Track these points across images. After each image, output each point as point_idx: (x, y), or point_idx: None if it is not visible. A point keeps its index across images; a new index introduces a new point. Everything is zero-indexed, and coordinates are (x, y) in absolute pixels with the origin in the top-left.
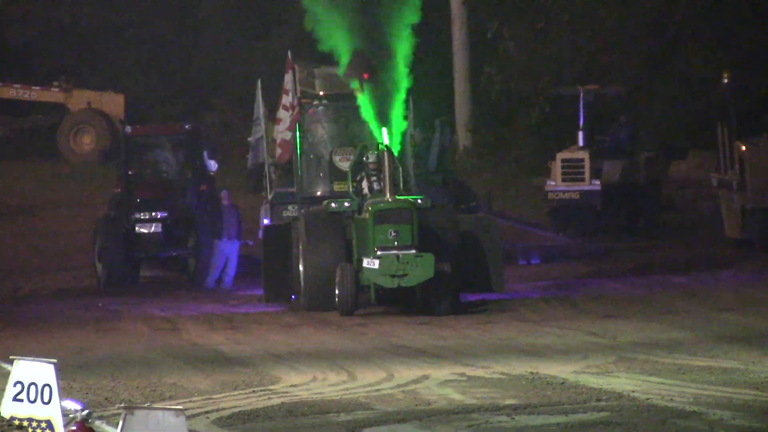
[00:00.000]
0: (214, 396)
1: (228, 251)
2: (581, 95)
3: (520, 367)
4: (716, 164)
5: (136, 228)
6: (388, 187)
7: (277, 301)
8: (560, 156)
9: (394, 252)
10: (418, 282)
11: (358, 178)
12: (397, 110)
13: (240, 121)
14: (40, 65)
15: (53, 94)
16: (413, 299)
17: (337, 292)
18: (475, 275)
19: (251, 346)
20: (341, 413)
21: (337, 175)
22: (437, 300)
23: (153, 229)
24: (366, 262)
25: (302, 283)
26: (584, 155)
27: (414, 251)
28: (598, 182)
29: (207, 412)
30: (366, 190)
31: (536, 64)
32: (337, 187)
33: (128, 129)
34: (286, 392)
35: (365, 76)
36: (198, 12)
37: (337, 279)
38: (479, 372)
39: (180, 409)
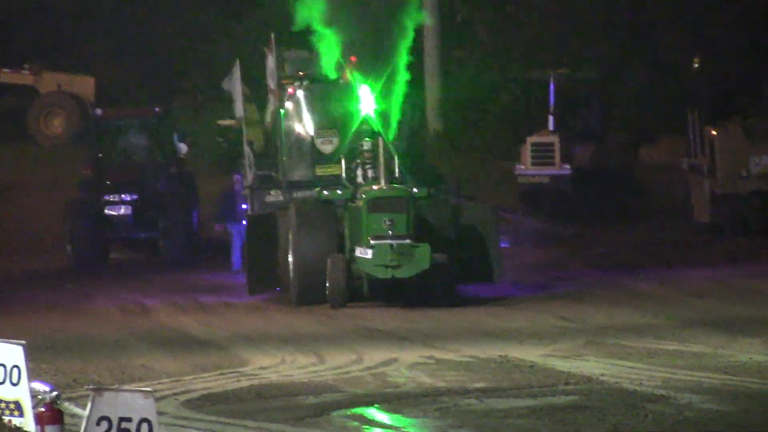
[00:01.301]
0: (184, 378)
1: (241, 231)
2: (552, 79)
3: (490, 351)
4: (686, 149)
5: (106, 210)
6: (382, 175)
7: (262, 292)
8: (530, 140)
9: (389, 241)
10: (412, 273)
11: (352, 165)
12: (391, 97)
13: (211, 104)
14: (10, 47)
15: (23, 77)
16: (408, 291)
17: (327, 284)
18: (474, 264)
19: (221, 328)
20: (310, 395)
21: (319, 158)
22: (433, 293)
23: (122, 211)
24: (359, 252)
25: (291, 275)
26: (554, 139)
27: (409, 241)
28: (568, 166)
29: (176, 393)
30: (360, 179)
31: (507, 48)
32: (319, 170)
33: (98, 111)
34: (255, 374)
35: (352, 59)
36: None
37: (328, 270)
38: (448, 355)
39: (149, 391)
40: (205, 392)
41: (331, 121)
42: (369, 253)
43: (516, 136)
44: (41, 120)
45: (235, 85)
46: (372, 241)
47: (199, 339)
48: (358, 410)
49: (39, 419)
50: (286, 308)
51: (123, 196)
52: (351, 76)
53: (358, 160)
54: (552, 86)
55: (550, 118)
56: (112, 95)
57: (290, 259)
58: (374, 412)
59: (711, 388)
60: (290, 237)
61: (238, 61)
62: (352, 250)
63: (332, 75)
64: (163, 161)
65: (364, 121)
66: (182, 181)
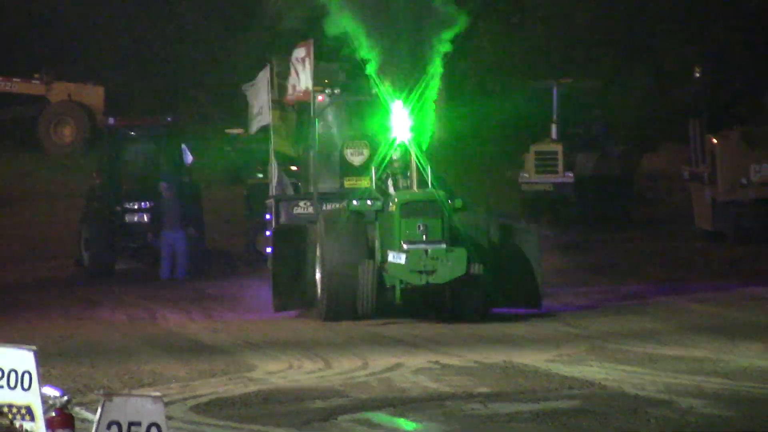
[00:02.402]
0: (192, 383)
1: (172, 241)
2: (555, 89)
3: (494, 356)
4: (688, 157)
5: (126, 218)
6: (414, 184)
7: (288, 309)
8: (534, 148)
9: (423, 246)
10: (448, 279)
11: (383, 176)
12: (424, 108)
13: (217, 113)
14: (21, 57)
15: (34, 86)
16: (441, 301)
17: (357, 292)
18: (510, 288)
19: (228, 334)
20: (317, 400)
21: (347, 170)
22: (468, 304)
23: (143, 219)
24: (391, 257)
25: (319, 290)
26: (558, 148)
27: (444, 246)
28: (571, 174)
29: (185, 398)
30: (391, 189)
31: (510, 58)
32: (347, 182)
33: (111, 120)
34: (263, 379)
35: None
36: (176, 6)
37: (359, 278)
38: (453, 360)
39: (158, 396)
40: (213, 397)
41: (362, 132)
42: (402, 258)
43: (520, 145)
44: (51, 129)
45: (261, 92)
46: (405, 246)
47: (207, 345)
48: (365, 415)
49: (50, 424)
50: (292, 313)
51: (142, 203)
52: (385, 88)
53: (389, 171)
54: (555, 95)
55: (553, 127)
56: (121, 104)
57: (318, 274)
58: (380, 417)
59: (712, 392)
60: (318, 249)
61: (267, 67)
62: (384, 261)
63: (365, 86)
64: (175, 170)
65: (396, 140)
66: (192, 191)
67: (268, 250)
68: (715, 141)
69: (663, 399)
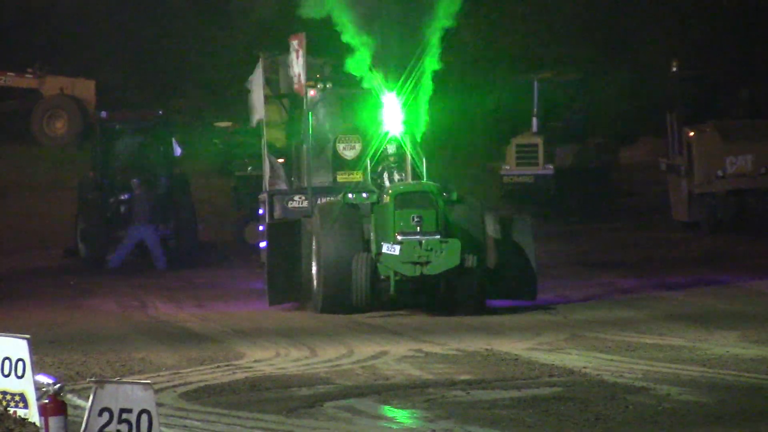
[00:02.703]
0: (181, 371)
1: (140, 236)
2: (535, 83)
3: (476, 344)
4: (665, 150)
5: (122, 209)
6: (409, 176)
7: (283, 303)
8: (515, 141)
9: (417, 237)
10: (442, 270)
11: (378, 170)
12: (419, 101)
13: (206, 107)
14: (14, 52)
15: (27, 80)
16: (435, 293)
17: (352, 284)
18: (504, 280)
19: (217, 323)
20: (303, 387)
21: (340, 164)
22: (462, 296)
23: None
24: (386, 248)
25: (315, 283)
26: (538, 140)
27: (438, 237)
28: (551, 166)
29: (174, 386)
30: (387, 183)
31: (492, 53)
32: (340, 177)
33: (103, 114)
34: (250, 367)
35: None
36: (166, 3)
37: (353, 269)
38: (436, 348)
39: (148, 383)
40: (201, 384)
41: (354, 126)
42: (396, 250)
43: (501, 138)
44: (44, 122)
45: (256, 85)
46: (399, 237)
47: (196, 333)
48: (349, 401)
49: (43, 411)
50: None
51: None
52: (379, 81)
53: (384, 164)
54: (535, 89)
55: (534, 120)
56: (112, 98)
57: (313, 267)
58: (364, 403)
59: (689, 379)
60: (314, 242)
61: (260, 60)
62: (379, 253)
63: (358, 80)
64: (166, 162)
65: (388, 133)
66: (184, 183)
67: (262, 244)
68: (691, 134)
69: (641, 386)
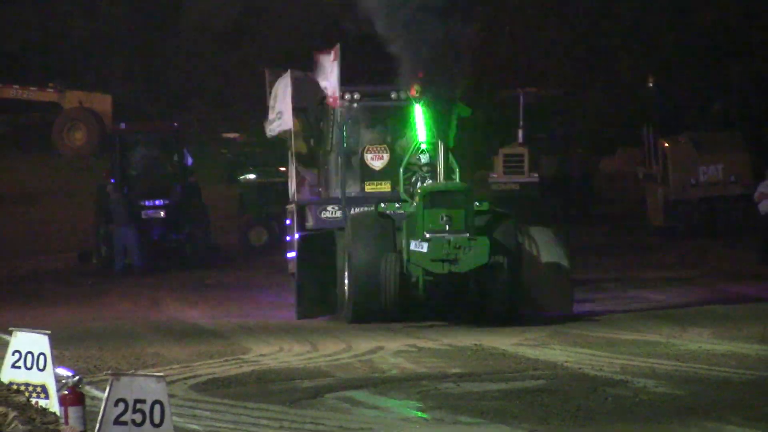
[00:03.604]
0: (192, 364)
1: (123, 237)
2: (521, 97)
3: (466, 340)
4: (642, 160)
5: (143, 214)
6: (442, 174)
7: (312, 317)
8: (503, 151)
9: (445, 235)
10: (470, 268)
11: (411, 180)
12: (454, 111)
13: (214, 120)
14: (36, 68)
15: (48, 94)
16: (465, 295)
17: (381, 284)
18: (539, 292)
19: (225, 320)
20: (305, 380)
21: (368, 174)
22: (493, 297)
23: (159, 214)
24: (414, 245)
25: (348, 295)
26: (524, 151)
27: (467, 235)
28: (536, 175)
29: (185, 378)
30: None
31: (481, 69)
32: (368, 187)
33: (122, 125)
34: (256, 361)
35: (419, 74)
36: (177, 23)
37: (381, 270)
38: (429, 344)
39: (161, 376)
40: (210, 377)
41: (382, 136)
42: (424, 247)
43: (489, 148)
44: (65, 133)
45: (280, 97)
46: (428, 235)
47: (206, 329)
48: (348, 393)
49: (63, 401)
50: (282, 302)
51: (157, 201)
52: (417, 91)
53: (418, 174)
54: (521, 103)
55: (520, 132)
56: (127, 111)
57: (345, 278)
58: (362, 395)
59: (664, 373)
60: (346, 255)
61: (289, 71)
62: (408, 255)
63: (391, 90)
64: (180, 171)
65: (419, 144)
66: (196, 191)
67: (291, 254)
68: (666, 145)
69: (619, 379)
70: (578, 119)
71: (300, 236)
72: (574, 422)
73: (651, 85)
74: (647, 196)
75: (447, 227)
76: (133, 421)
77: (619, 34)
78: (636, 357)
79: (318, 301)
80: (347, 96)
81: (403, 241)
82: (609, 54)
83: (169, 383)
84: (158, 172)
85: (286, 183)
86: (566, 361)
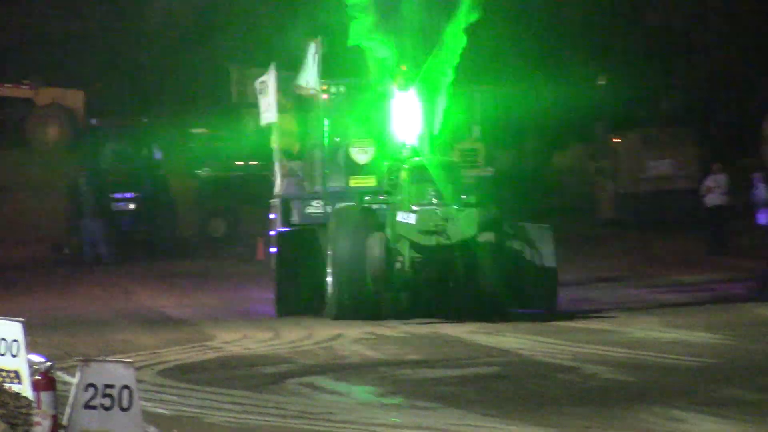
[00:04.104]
0: (159, 351)
1: (92, 228)
2: (477, 94)
3: (423, 328)
4: (593, 155)
5: (113, 206)
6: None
7: (292, 314)
8: (458, 146)
9: (434, 207)
10: (459, 239)
11: (395, 172)
12: (444, 102)
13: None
14: (11, 65)
15: (23, 91)
16: (453, 275)
17: (367, 266)
18: (524, 289)
19: (191, 308)
20: (268, 366)
21: (353, 169)
22: (483, 276)
23: (129, 206)
24: (400, 217)
25: (331, 291)
26: (479, 146)
27: (455, 207)
28: (491, 169)
29: (152, 364)
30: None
31: None
32: (353, 181)
33: (94, 121)
34: (220, 348)
35: (402, 67)
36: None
37: (367, 250)
38: (387, 331)
39: (129, 362)
40: (177, 363)
41: (367, 130)
42: (412, 218)
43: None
44: (39, 128)
45: (269, 89)
46: (415, 207)
47: (173, 317)
48: (309, 378)
49: (35, 386)
50: (246, 290)
51: (127, 194)
52: (400, 84)
53: (402, 167)
54: (477, 100)
55: (476, 128)
56: (99, 107)
57: (329, 274)
58: (323, 380)
59: (613, 360)
60: (330, 249)
61: (273, 66)
62: (397, 251)
63: (376, 83)
64: (149, 165)
65: (390, 127)
66: (164, 183)
67: (273, 250)
68: (617, 141)
69: (570, 366)
70: (532, 116)
71: (279, 233)
72: (526, 407)
73: (602, 83)
74: (597, 189)
75: (434, 201)
76: (103, 406)
77: (571, 34)
78: (587, 345)
79: (299, 298)
80: (331, 89)
81: (388, 230)
82: (562, 53)
83: (137, 369)
84: (128, 165)
85: (243, 176)
86: (519, 349)
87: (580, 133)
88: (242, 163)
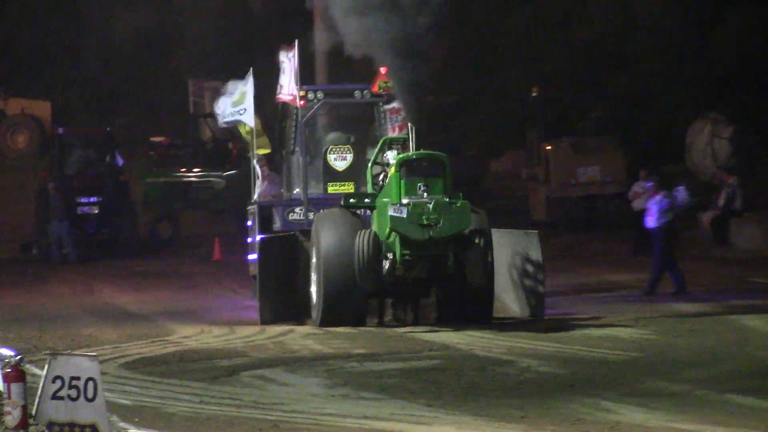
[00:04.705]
0: (122, 345)
1: (59, 230)
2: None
3: (368, 324)
4: (526, 161)
5: (79, 210)
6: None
7: (276, 322)
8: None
9: (425, 200)
10: (452, 232)
11: (380, 178)
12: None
13: (142, 125)
14: None
15: None
16: (444, 274)
17: (355, 262)
18: (509, 296)
19: (152, 305)
20: (223, 359)
21: (331, 175)
22: (474, 275)
23: (94, 210)
24: (392, 210)
25: (317, 296)
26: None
27: (447, 199)
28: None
29: (116, 357)
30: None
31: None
32: (331, 188)
33: (61, 130)
34: (179, 342)
35: (382, 70)
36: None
37: (356, 247)
38: (336, 327)
39: (94, 356)
40: (138, 356)
41: (345, 136)
42: (403, 212)
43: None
44: (8, 137)
45: (247, 94)
46: (406, 200)
47: (135, 313)
48: (262, 371)
49: (6, 378)
50: (204, 288)
51: (92, 198)
52: (380, 88)
53: (385, 171)
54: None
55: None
56: (65, 117)
57: (313, 279)
58: (275, 373)
59: (546, 354)
60: (314, 254)
61: (251, 71)
62: (385, 250)
63: (354, 89)
64: (113, 170)
65: (386, 141)
66: (126, 188)
67: (252, 256)
68: (548, 148)
69: (506, 359)
70: (470, 124)
71: (262, 240)
72: (465, 397)
73: (536, 94)
74: (530, 194)
75: (425, 195)
76: (69, 396)
77: (508, 47)
78: (522, 339)
79: (282, 305)
80: (309, 95)
81: (375, 224)
82: (499, 65)
83: (102, 362)
84: (92, 171)
85: (187, 183)
86: (458, 343)
87: (516, 141)
88: (185, 170)
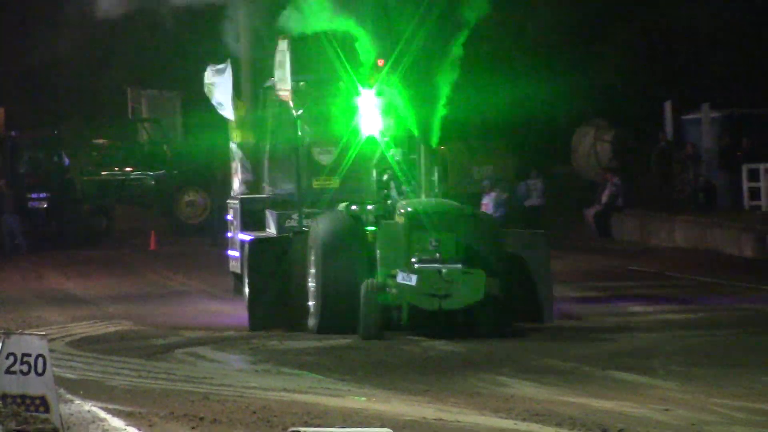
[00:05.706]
0: (68, 325)
1: (11, 223)
2: None
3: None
4: None
5: (29, 205)
6: (424, 186)
7: (267, 327)
8: None
9: (437, 266)
10: (463, 305)
11: (384, 178)
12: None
13: (86, 128)
14: None
15: None
16: (453, 323)
17: (360, 315)
18: (520, 301)
19: (95, 290)
20: (159, 338)
21: (315, 170)
22: (484, 324)
23: (43, 205)
24: (401, 278)
25: (313, 302)
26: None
27: (460, 266)
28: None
29: (62, 336)
30: (394, 192)
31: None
32: (316, 183)
33: (12, 133)
34: (119, 323)
35: (380, 62)
36: (57, 45)
37: (361, 299)
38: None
39: (43, 335)
40: (83, 336)
41: (330, 130)
42: (413, 280)
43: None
44: None
45: (225, 86)
46: (417, 266)
47: (79, 297)
48: (193, 349)
49: None
50: (142, 275)
51: (41, 194)
52: (377, 81)
53: (390, 173)
54: None
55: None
56: (16, 121)
57: (311, 285)
58: (205, 350)
59: (449, 334)
60: (314, 259)
61: (229, 62)
62: (388, 275)
63: (344, 80)
64: (59, 170)
65: (371, 137)
66: (70, 186)
67: (233, 253)
68: (443, 149)
69: (414, 339)
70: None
71: (252, 242)
72: (375, 373)
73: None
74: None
75: (437, 254)
76: (21, 371)
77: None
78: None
79: (273, 310)
80: (300, 87)
81: (379, 256)
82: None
83: (50, 341)
84: (41, 170)
85: (119, 180)
86: None
87: (415, 143)
88: (117, 169)
